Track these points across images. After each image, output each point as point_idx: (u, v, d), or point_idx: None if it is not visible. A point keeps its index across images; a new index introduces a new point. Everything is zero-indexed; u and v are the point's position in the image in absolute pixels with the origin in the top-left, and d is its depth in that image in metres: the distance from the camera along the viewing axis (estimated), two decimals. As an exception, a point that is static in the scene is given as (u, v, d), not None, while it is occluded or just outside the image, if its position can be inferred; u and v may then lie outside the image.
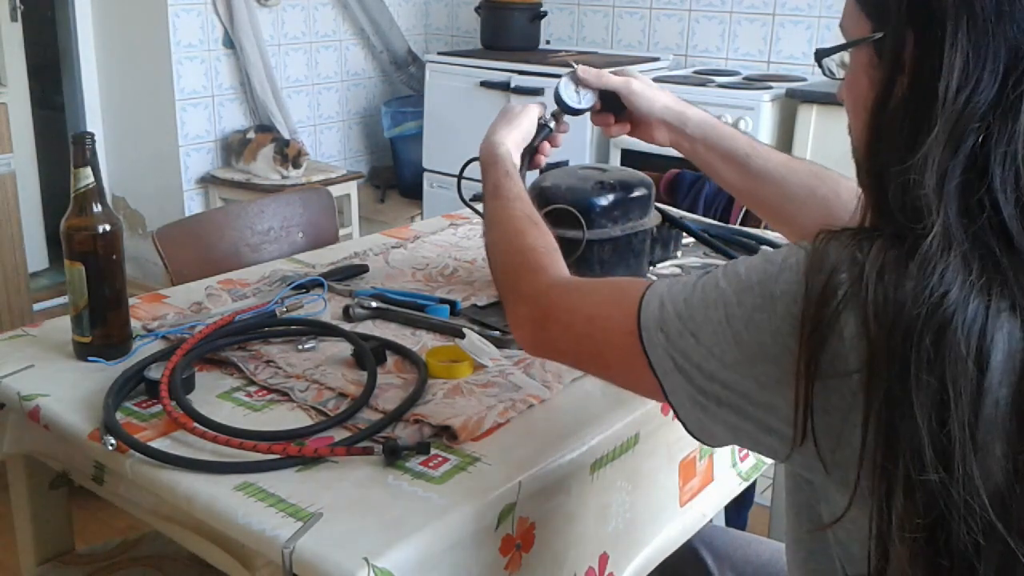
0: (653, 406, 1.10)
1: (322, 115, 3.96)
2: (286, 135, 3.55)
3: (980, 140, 0.67)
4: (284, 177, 3.36)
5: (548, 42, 3.86)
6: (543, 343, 0.95)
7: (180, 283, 1.55)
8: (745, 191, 1.23)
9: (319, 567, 0.81)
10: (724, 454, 1.29)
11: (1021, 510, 0.65)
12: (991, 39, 0.67)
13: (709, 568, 1.28)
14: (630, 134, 1.31)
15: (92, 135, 1.14)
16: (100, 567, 1.31)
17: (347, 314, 1.32)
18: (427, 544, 0.86)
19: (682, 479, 1.21)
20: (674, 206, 1.93)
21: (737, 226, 1.85)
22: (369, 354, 1.15)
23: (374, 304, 1.34)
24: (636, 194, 1.40)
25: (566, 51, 3.68)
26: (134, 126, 3.56)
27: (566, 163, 1.54)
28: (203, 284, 1.46)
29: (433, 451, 0.98)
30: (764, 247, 1.54)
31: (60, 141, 3.53)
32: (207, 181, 3.54)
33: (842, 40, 0.79)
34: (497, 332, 1.25)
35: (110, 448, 0.98)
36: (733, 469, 1.31)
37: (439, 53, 3.71)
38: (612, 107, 1.29)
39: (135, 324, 1.25)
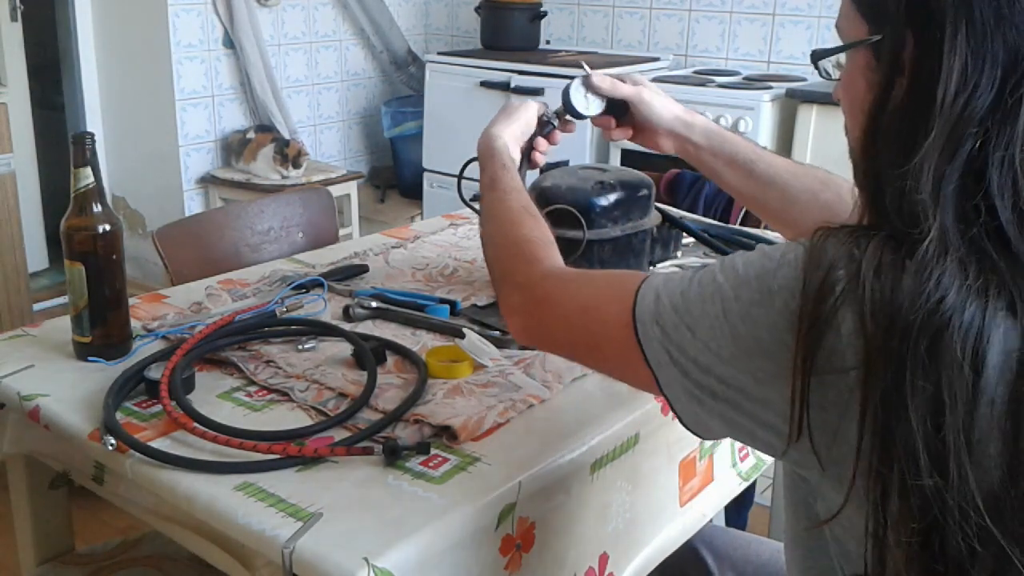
0: (653, 406, 1.10)
1: (322, 115, 3.96)
2: (286, 135, 3.55)
3: (978, 145, 0.67)
4: (284, 177, 3.36)
5: (548, 42, 3.86)
6: (535, 332, 0.95)
7: (180, 283, 1.55)
8: (750, 195, 1.24)
9: (319, 567, 0.81)
10: (724, 454, 1.29)
11: (1016, 513, 0.65)
12: (990, 43, 0.67)
13: (709, 568, 1.28)
14: (633, 140, 1.31)
15: (92, 135, 1.14)
16: (100, 567, 1.31)
17: (347, 314, 1.32)
18: (427, 544, 0.86)
19: (682, 479, 1.21)
20: (674, 206, 1.93)
21: (737, 226, 1.85)
22: (369, 354, 1.15)
23: (374, 304, 1.34)
24: (636, 194, 1.40)
25: (566, 51, 3.68)
26: (134, 126, 3.56)
27: (566, 163, 1.54)
28: (203, 284, 1.46)
29: (433, 451, 0.98)
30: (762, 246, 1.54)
31: (60, 141, 3.53)
32: (207, 181, 3.54)
33: (839, 41, 0.79)
34: (497, 332, 1.25)
35: (110, 448, 0.98)
36: (733, 469, 1.31)
37: (439, 53, 3.71)
38: (616, 111, 1.29)
39: (135, 324, 1.25)
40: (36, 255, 3.60)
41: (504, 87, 3.36)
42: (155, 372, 1.09)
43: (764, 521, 2.06)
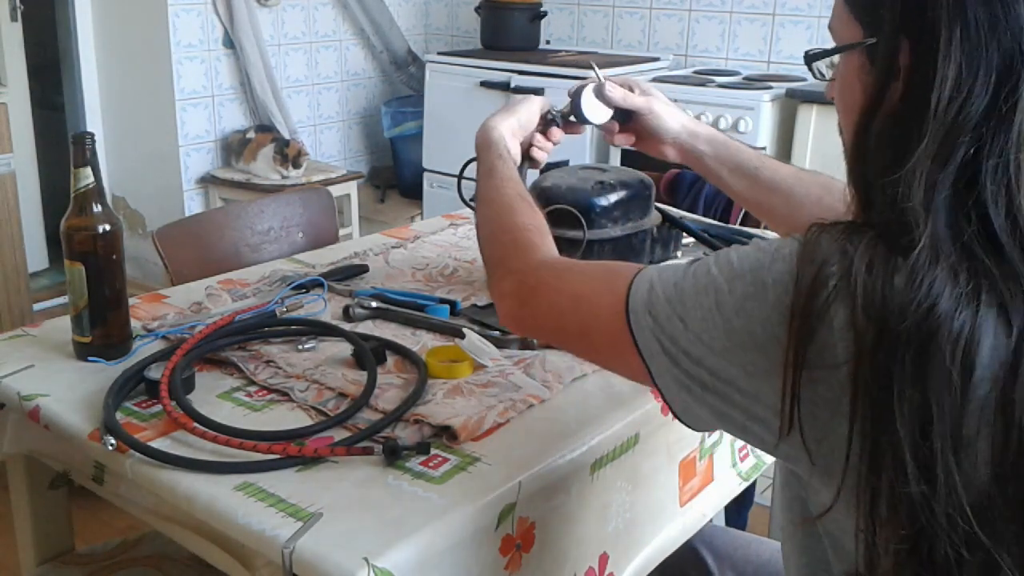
0: (653, 406, 1.10)
1: (322, 115, 3.96)
2: (286, 135, 3.55)
3: (971, 151, 0.67)
4: (284, 177, 3.36)
5: (548, 42, 3.86)
6: (526, 319, 0.95)
7: (180, 283, 1.55)
8: (754, 202, 1.25)
9: (319, 567, 0.81)
10: (724, 454, 1.29)
11: (1004, 518, 0.66)
12: (984, 49, 0.67)
13: (709, 568, 1.28)
14: (636, 146, 1.32)
15: (92, 135, 1.14)
16: (100, 567, 1.31)
17: (347, 314, 1.32)
18: (427, 544, 0.86)
19: (682, 479, 1.21)
20: (674, 206, 1.93)
21: (737, 226, 1.85)
22: (369, 354, 1.15)
23: (374, 304, 1.34)
24: (636, 194, 1.40)
25: (566, 51, 3.68)
26: (134, 126, 3.56)
27: (566, 163, 1.54)
28: (203, 284, 1.46)
29: (433, 451, 0.98)
30: (757, 240, 1.54)
31: (60, 141, 3.53)
32: (207, 181, 3.54)
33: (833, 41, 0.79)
34: (497, 332, 1.25)
35: (110, 448, 0.98)
36: (733, 469, 1.31)
37: (439, 53, 3.71)
38: (621, 117, 1.29)
39: (135, 324, 1.25)
40: (36, 255, 3.60)
41: (504, 87, 3.36)
42: (155, 372, 1.09)
43: (764, 521, 2.06)
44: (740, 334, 0.72)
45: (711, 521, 1.29)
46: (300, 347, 1.22)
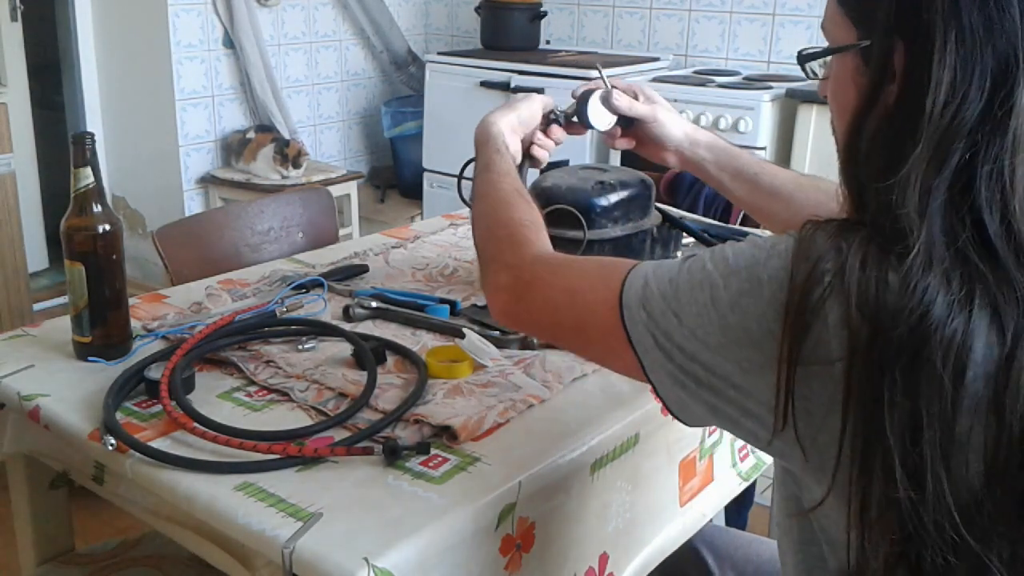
0: (653, 406, 1.10)
1: (322, 115, 3.96)
2: (286, 135, 3.55)
3: (966, 157, 0.67)
4: (284, 177, 3.36)
5: (548, 42, 3.86)
6: (519, 313, 0.95)
7: (180, 283, 1.55)
8: (755, 207, 1.26)
9: (319, 567, 0.81)
10: (724, 454, 1.29)
11: (993, 523, 0.66)
12: (979, 53, 0.66)
13: (710, 567, 1.28)
14: (637, 151, 1.33)
15: (92, 135, 1.14)
16: (100, 567, 1.31)
17: (347, 314, 1.32)
18: (427, 544, 0.86)
19: (682, 479, 1.21)
20: (674, 206, 1.93)
21: (737, 226, 1.85)
22: (369, 354, 1.15)
23: (374, 304, 1.34)
24: (636, 194, 1.40)
25: (566, 51, 3.68)
26: (134, 126, 3.56)
27: (566, 163, 1.54)
28: (203, 284, 1.45)
29: (433, 451, 0.98)
30: (753, 237, 1.54)
31: (60, 141, 3.52)
32: (207, 181, 3.54)
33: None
34: (497, 332, 1.25)
35: (110, 448, 0.98)
36: (733, 469, 1.31)
37: (439, 53, 3.71)
38: (623, 122, 1.30)
39: (135, 324, 1.25)
40: (36, 255, 3.60)
41: (504, 87, 3.36)
42: (155, 372, 1.09)
43: (764, 521, 2.06)
44: (735, 330, 0.72)
45: (711, 521, 1.29)
46: (300, 347, 1.22)
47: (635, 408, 1.10)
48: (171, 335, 1.24)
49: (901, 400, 0.65)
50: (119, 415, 1.04)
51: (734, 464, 1.31)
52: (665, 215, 1.51)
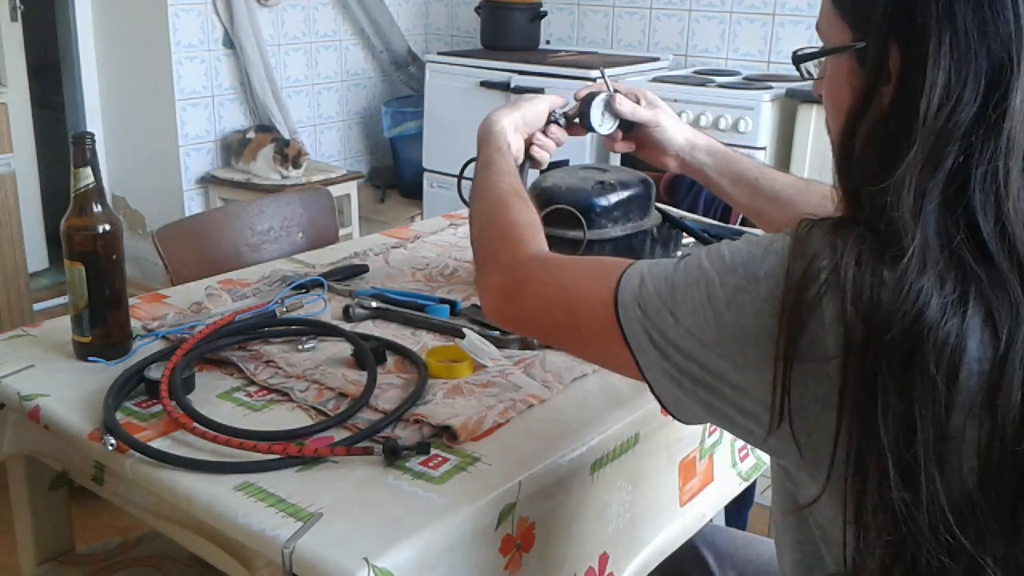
0: (653, 406, 1.10)
1: (322, 115, 3.96)
2: (286, 135, 3.55)
3: (961, 159, 0.67)
4: (284, 177, 3.36)
5: (548, 42, 3.86)
6: (512, 312, 0.95)
7: (180, 283, 1.55)
8: (755, 211, 1.26)
9: (319, 567, 0.81)
10: (724, 454, 1.29)
11: (986, 523, 0.66)
12: (974, 55, 0.67)
13: (710, 567, 1.28)
14: (637, 154, 1.34)
15: (92, 135, 1.14)
16: (100, 567, 1.31)
17: (347, 314, 1.32)
18: (427, 544, 0.86)
19: (682, 479, 1.21)
20: (674, 206, 1.93)
21: (737, 226, 1.85)
22: (369, 354, 1.15)
23: (374, 304, 1.34)
24: (636, 194, 1.40)
25: (566, 51, 3.68)
26: (134, 126, 3.56)
27: (566, 163, 1.54)
28: (203, 284, 1.45)
29: (433, 451, 0.98)
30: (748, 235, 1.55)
31: (60, 141, 3.53)
32: (207, 181, 3.54)
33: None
34: (497, 332, 1.25)
35: (110, 448, 0.98)
36: (733, 469, 1.31)
37: (439, 53, 3.71)
38: (624, 126, 1.30)
39: (135, 324, 1.25)
40: (36, 255, 3.60)
41: (504, 87, 3.36)
42: (155, 372, 1.09)
43: (764, 521, 2.06)
44: (731, 327, 0.72)
45: (711, 521, 1.29)
46: (300, 347, 1.22)
47: (635, 408, 1.10)
48: (171, 335, 1.24)
49: (895, 401, 0.65)
50: (119, 415, 1.04)
51: (734, 464, 1.31)
52: (665, 215, 1.51)
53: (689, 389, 0.76)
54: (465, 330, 1.22)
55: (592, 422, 1.06)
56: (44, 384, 1.13)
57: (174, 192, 3.51)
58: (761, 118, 2.88)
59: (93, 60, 3.56)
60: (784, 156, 2.93)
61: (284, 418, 1.06)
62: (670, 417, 0.82)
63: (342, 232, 2.65)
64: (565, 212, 1.34)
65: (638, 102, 1.29)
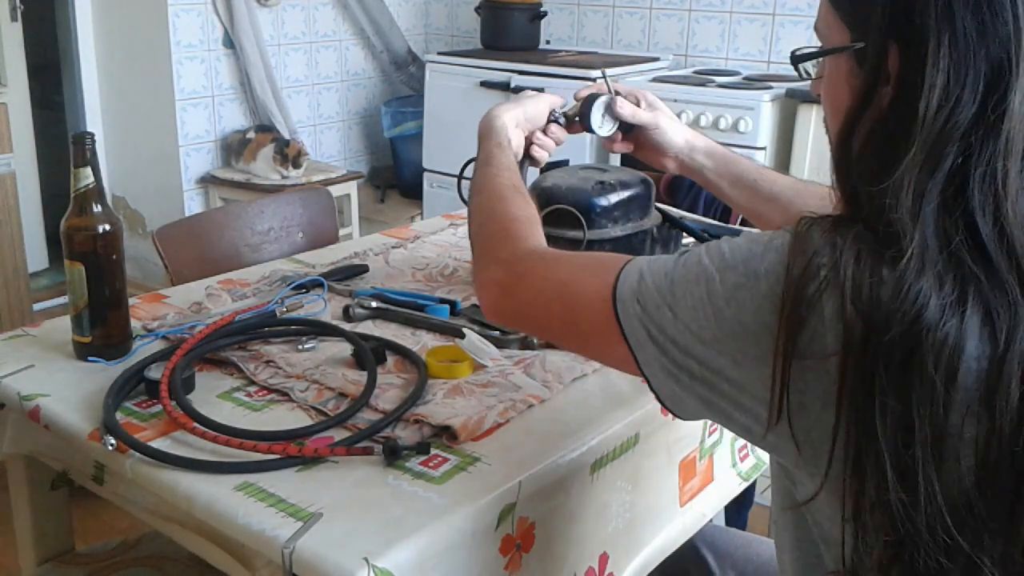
0: (653, 406, 1.10)
1: (322, 115, 3.96)
2: (286, 135, 3.55)
3: (959, 160, 0.67)
4: (284, 177, 3.36)
5: (548, 42, 3.86)
6: (509, 309, 0.94)
7: (180, 283, 1.55)
8: (754, 212, 1.27)
9: (319, 567, 0.81)
10: (724, 454, 1.29)
11: (984, 524, 0.66)
12: (972, 56, 0.67)
13: (711, 567, 1.28)
14: (636, 155, 1.34)
15: (92, 135, 1.14)
16: (100, 567, 1.31)
17: (347, 314, 1.32)
18: (427, 544, 0.86)
19: (682, 479, 1.21)
20: (674, 206, 1.93)
21: (737, 226, 1.85)
22: (369, 354, 1.15)
23: (374, 304, 1.34)
24: (636, 194, 1.40)
25: (566, 51, 3.68)
26: (134, 126, 3.56)
27: (566, 163, 1.54)
28: (203, 284, 1.46)
29: (433, 451, 0.98)
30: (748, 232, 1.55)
31: (60, 141, 3.52)
32: (207, 181, 3.54)
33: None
34: (497, 332, 1.25)
35: (110, 448, 0.98)
36: (733, 469, 1.31)
37: (439, 53, 3.71)
38: (624, 128, 1.31)
39: (135, 324, 1.25)
40: (36, 255, 3.60)
41: (504, 87, 3.36)
42: (155, 372, 1.09)
43: (764, 521, 2.06)
44: (730, 323, 0.72)
45: (711, 521, 1.29)
46: (300, 347, 1.22)
47: (635, 408, 1.10)
48: (171, 335, 1.25)
49: (893, 402, 0.65)
50: (119, 415, 1.04)
51: (734, 464, 1.31)
52: (665, 215, 1.51)
53: (687, 385, 0.76)
54: (465, 330, 1.22)
55: (592, 422, 1.06)
56: (44, 384, 1.13)
57: (174, 192, 3.51)
58: (761, 118, 2.88)
59: (93, 60, 3.56)
60: (784, 156, 2.93)
61: (284, 418, 1.06)
62: (670, 417, 0.82)
63: (342, 232, 2.65)
64: (565, 212, 1.34)
65: (638, 104, 1.29)
